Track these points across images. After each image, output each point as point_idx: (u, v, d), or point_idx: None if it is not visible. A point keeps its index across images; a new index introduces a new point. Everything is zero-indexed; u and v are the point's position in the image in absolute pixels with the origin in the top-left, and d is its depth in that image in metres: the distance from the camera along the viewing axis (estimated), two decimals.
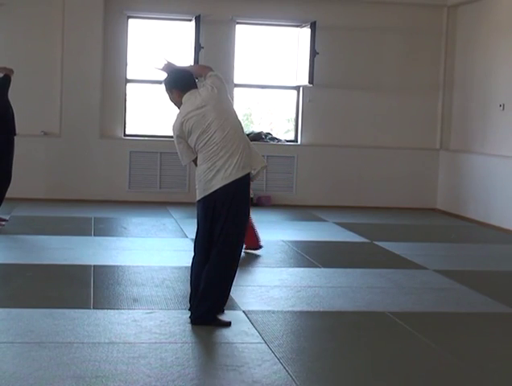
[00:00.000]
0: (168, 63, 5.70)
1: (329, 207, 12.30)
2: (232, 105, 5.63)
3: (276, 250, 8.62)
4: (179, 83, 5.54)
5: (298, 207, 12.22)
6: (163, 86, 5.65)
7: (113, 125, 12.26)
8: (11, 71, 9.32)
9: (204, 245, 5.51)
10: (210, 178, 5.39)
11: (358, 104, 12.66)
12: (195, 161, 5.54)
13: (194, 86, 5.55)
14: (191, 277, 5.64)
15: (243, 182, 5.45)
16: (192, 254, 5.64)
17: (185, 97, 5.48)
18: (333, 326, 5.78)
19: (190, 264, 5.66)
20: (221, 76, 5.62)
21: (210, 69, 5.66)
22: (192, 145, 5.45)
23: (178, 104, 5.54)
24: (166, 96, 5.65)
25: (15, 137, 9.32)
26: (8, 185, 9.29)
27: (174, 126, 5.50)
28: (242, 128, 5.60)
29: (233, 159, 5.38)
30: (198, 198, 5.51)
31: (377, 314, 6.07)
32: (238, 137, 5.45)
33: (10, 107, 9.23)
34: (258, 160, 5.59)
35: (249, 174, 5.49)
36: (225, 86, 5.59)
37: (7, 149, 9.20)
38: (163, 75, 5.71)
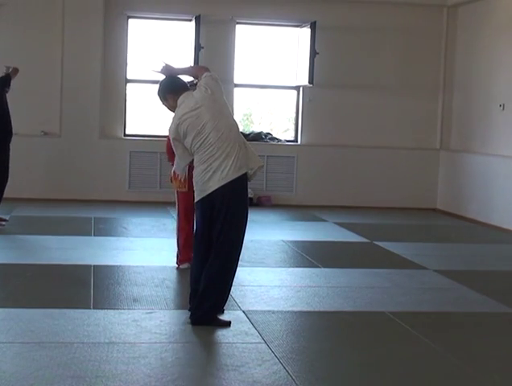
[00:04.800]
0: (166, 65, 5.70)
1: (329, 207, 12.30)
2: (226, 105, 5.60)
3: (276, 250, 8.62)
4: (172, 87, 5.56)
5: (298, 207, 12.22)
6: (157, 98, 5.65)
7: (113, 125, 12.26)
8: (16, 70, 9.30)
9: (203, 246, 5.52)
10: (207, 180, 5.39)
11: (358, 104, 12.65)
12: (192, 163, 5.54)
13: (186, 88, 5.58)
14: (190, 278, 5.65)
15: (240, 183, 5.44)
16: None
17: (179, 100, 5.49)
18: (333, 325, 5.78)
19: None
20: (216, 77, 5.60)
21: (206, 70, 5.65)
22: (188, 147, 5.46)
23: (174, 109, 5.55)
24: (164, 107, 5.66)
25: (13, 137, 9.31)
26: (6, 183, 9.26)
27: (170, 129, 5.53)
28: (238, 128, 5.59)
29: (229, 160, 5.37)
30: (196, 199, 5.52)
31: (377, 314, 6.07)
32: (234, 138, 5.44)
33: (7, 106, 9.20)
34: (255, 160, 5.58)
35: (246, 174, 5.47)
36: (219, 86, 5.57)
37: (4, 148, 9.19)
38: (161, 78, 5.71)
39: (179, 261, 7.41)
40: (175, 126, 5.44)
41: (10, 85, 9.22)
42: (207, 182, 5.39)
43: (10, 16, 11.79)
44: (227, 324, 5.50)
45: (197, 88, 5.53)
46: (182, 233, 7.37)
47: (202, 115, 5.39)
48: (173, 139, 5.50)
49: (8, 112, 9.19)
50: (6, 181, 9.27)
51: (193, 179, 5.50)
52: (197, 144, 5.40)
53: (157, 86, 5.68)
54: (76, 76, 11.86)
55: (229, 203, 5.39)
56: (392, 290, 6.85)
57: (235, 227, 5.45)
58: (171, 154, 7.49)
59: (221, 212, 5.39)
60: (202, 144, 5.39)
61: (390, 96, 12.69)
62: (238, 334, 5.35)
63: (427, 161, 12.75)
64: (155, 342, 5.08)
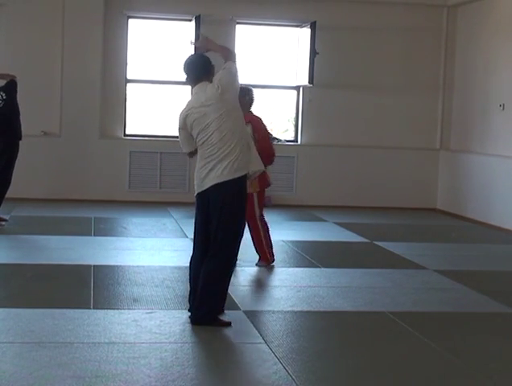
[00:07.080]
0: (207, 38, 5.73)
1: (329, 207, 12.29)
2: (236, 106, 5.57)
3: (276, 250, 8.59)
4: (190, 74, 5.56)
5: (298, 207, 12.21)
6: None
7: (113, 125, 12.25)
8: (14, 77, 9.37)
9: (201, 241, 5.55)
10: (203, 177, 5.48)
11: (358, 104, 12.65)
12: (192, 153, 5.62)
13: (205, 77, 5.51)
14: (190, 275, 5.65)
15: (236, 185, 5.45)
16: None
17: (194, 90, 5.55)
18: (333, 326, 5.78)
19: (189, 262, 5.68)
20: (235, 70, 5.55)
21: (231, 58, 5.58)
22: (194, 140, 5.52)
23: (189, 85, 5.65)
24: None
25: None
26: (8, 187, 9.32)
27: (179, 116, 5.59)
28: (244, 130, 5.61)
29: (225, 161, 5.41)
30: (195, 193, 5.61)
31: (377, 314, 6.07)
32: (236, 140, 5.46)
33: (19, 111, 9.29)
34: (256, 163, 5.64)
35: (244, 177, 5.50)
36: (233, 83, 5.52)
37: (12, 153, 9.25)
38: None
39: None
40: (184, 117, 5.52)
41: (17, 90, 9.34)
42: (203, 179, 5.49)
43: (10, 16, 11.79)
44: (227, 324, 5.50)
45: (211, 84, 5.49)
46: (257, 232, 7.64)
47: (208, 114, 5.42)
48: (179, 128, 5.57)
49: (19, 116, 9.27)
50: (9, 186, 9.33)
51: (194, 173, 5.57)
52: (201, 140, 5.47)
53: (186, 57, 5.66)
54: (76, 76, 11.86)
55: (224, 204, 5.42)
56: (392, 290, 6.85)
57: (230, 228, 5.46)
58: None
59: (216, 211, 5.43)
60: (205, 142, 5.45)
61: (390, 96, 12.69)
62: (238, 334, 5.35)
63: (427, 161, 12.75)
64: (155, 342, 5.09)
